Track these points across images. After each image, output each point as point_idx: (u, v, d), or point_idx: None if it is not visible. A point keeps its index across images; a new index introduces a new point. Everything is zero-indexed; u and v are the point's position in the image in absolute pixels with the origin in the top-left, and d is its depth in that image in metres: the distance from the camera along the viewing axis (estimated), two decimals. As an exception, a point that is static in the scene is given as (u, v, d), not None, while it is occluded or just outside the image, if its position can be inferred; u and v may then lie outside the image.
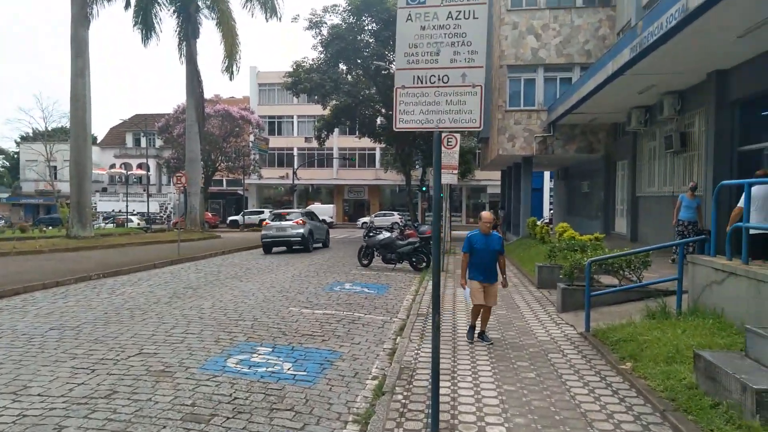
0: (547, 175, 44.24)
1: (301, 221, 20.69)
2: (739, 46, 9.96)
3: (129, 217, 41.75)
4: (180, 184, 19.24)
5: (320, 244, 22.67)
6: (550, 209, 42.09)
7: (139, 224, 40.06)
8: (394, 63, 3.48)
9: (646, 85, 13.52)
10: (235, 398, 4.82)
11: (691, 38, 9.60)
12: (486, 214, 6.85)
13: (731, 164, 11.68)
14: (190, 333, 7.23)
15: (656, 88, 13.75)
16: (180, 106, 40.70)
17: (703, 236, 7.40)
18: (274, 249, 20.78)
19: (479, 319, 6.98)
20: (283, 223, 20.69)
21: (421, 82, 3.50)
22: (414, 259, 15.04)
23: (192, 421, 4.29)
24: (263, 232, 20.75)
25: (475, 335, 6.98)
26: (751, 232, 8.39)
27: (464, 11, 3.41)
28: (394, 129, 3.61)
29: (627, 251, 8.57)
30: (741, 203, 7.34)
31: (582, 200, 25.82)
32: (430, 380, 4.03)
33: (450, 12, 3.45)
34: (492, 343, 6.76)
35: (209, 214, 45.99)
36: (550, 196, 44.12)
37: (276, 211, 23.57)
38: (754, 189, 7.52)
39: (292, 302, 9.73)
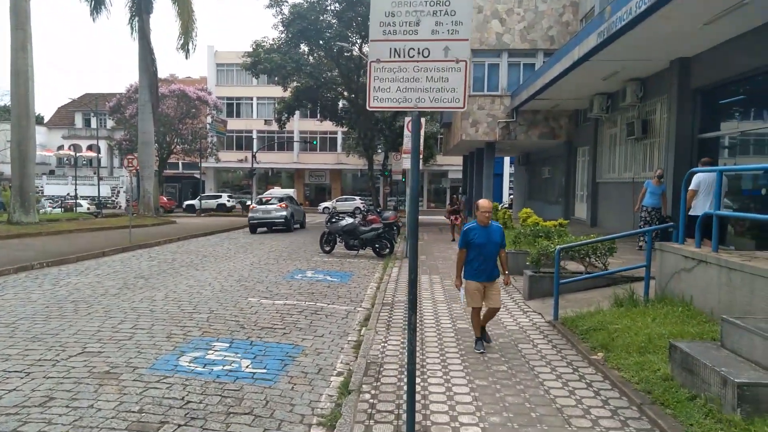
0: (507, 160, 44.65)
1: (284, 204, 23.13)
2: (704, 33, 9.98)
3: (78, 201, 39.89)
4: (131, 167, 18.30)
5: (298, 225, 25.15)
6: (510, 194, 42.55)
7: (89, 209, 38.32)
8: (369, 34, 3.06)
9: (611, 71, 13.53)
10: (188, 402, 4.42)
11: (659, 24, 9.54)
12: (484, 203, 5.79)
13: (691, 151, 11.82)
14: (139, 328, 6.74)
15: (620, 74, 13.78)
16: (132, 85, 38.94)
17: (671, 224, 7.35)
18: (256, 230, 23.01)
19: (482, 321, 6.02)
20: (269, 206, 23.03)
21: (399, 56, 3.15)
22: (377, 246, 14.76)
23: (138, 430, 3.88)
24: (250, 215, 23.13)
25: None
26: (695, 213, 8.55)
27: (447, -22, 3.08)
28: (368, 108, 3.26)
29: (596, 238, 8.51)
30: (692, 186, 8.32)
31: (543, 185, 26.06)
32: (406, 387, 3.73)
33: (432, -22, 3.11)
34: (490, 343, 6.17)
35: (164, 199, 44.47)
36: (510, 181, 44.59)
37: (260, 197, 26.25)
38: (701, 175, 8.43)
39: (251, 292, 9.30)
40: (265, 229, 23.25)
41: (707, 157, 9.46)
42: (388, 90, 3.17)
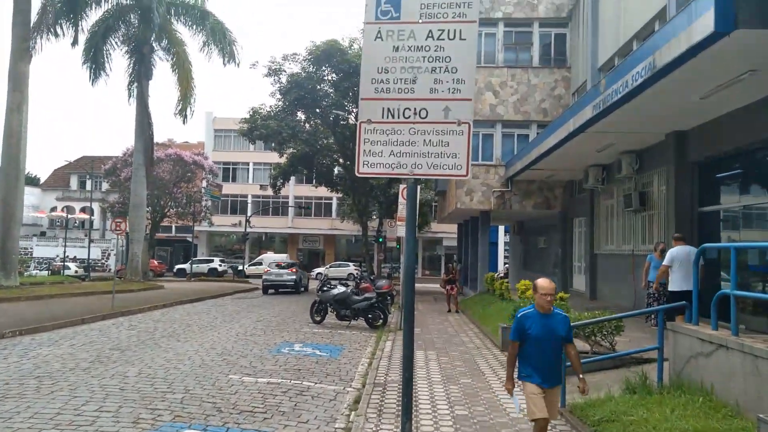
0: (501, 228, 44.52)
1: (294, 270, 27.22)
2: (700, 107, 9.94)
3: (66, 264, 39.09)
4: (119, 230, 17.85)
5: (303, 288, 28.02)
6: (505, 263, 42.08)
7: (77, 271, 37.49)
8: (359, 91, 2.79)
9: (606, 143, 13.48)
10: None
11: (655, 98, 9.48)
12: (545, 284, 4.30)
13: (692, 225, 11.53)
14: (105, 410, 6.07)
15: (615, 146, 13.73)
16: (129, 148, 39.17)
17: (683, 302, 6.91)
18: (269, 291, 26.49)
19: None
20: (281, 270, 27.07)
21: (393, 116, 2.83)
22: (370, 316, 14.13)
23: None
24: (264, 278, 27.15)
25: None
26: (673, 288, 9.02)
27: (448, 30, 2.80)
28: (357, 174, 2.91)
29: (604, 317, 8.00)
30: (666, 262, 9.08)
31: (539, 255, 25.68)
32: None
33: (431, 31, 2.83)
34: None
35: (155, 262, 43.72)
36: (505, 249, 44.25)
37: (273, 262, 29.89)
38: (674, 249, 9.17)
39: (233, 368, 8.63)
40: (273, 291, 26.60)
41: (679, 235, 9.86)
42: (380, 154, 2.83)
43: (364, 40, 2.87)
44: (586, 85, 18.08)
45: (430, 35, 2.83)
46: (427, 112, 2.76)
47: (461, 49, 2.78)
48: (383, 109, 2.82)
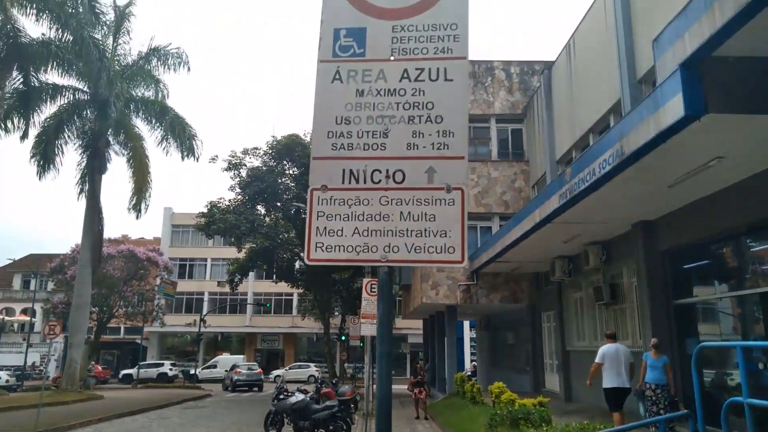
0: (466, 324, 43.45)
1: (260, 370, 32.78)
2: (668, 196, 9.77)
3: (-3, 372, 35.50)
4: (54, 334, 16.10)
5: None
6: (472, 360, 40.60)
7: (7, 381, 33.96)
8: (311, 147, 2.20)
9: (572, 234, 13.20)
10: None
11: (623, 185, 9.26)
12: None
13: (668, 319, 11.03)
14: None
15: (581, 237, 13.46)
16: (78, 245, 37.31)
17: (686, 411, 6.14)
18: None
19: None
20: (250, 371, 31.86)
21: (357, 181, 2.15)
22: (331, 427, 12.65)
23: None
24: (235, 378, 31.06)
25: None
26: (605, 386, 9.29)
27: (430, 69, 2.20)
28: (306, 261, 2.15)
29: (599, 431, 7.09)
30: (597, 359, 9.38)
31: (507, 352, 24.70)
32: None
33: (406, 70, 2.23)
34: None
35: (99, 368, 40.37)
36: (472, 346, 42.92)
37: (242, 364, 34.65)
38: (604, 347, 9.54)
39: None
40: (246, 388, 30.70)
41: (611, 330, 10.44)
42: (339, 233, 2.11)
43: (317, 82, 2.25)
44: (546, 177, 18.25)
45: (405, 75, 2.23)
46: (404, 174, 2.09)
47: (447, 93, 2.18)
48: (344, 171, 2.14)
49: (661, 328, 10.92)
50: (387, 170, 2.15)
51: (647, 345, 10.82)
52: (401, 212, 2.11)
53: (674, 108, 6.66)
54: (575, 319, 16.12)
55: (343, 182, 2.18)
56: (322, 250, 2.11)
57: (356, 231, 2.11)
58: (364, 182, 2.16)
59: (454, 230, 2.07)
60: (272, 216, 27.71)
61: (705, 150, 7.64)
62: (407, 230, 2.09)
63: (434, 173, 2.11)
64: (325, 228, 2.13)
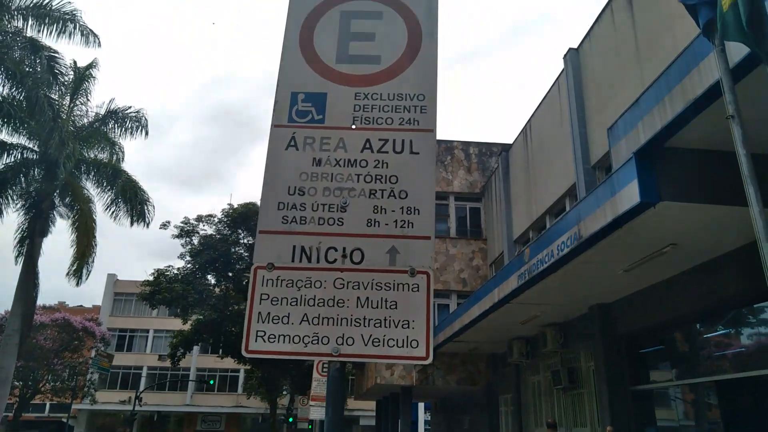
0: (421, 406, 42.01)
1: None
2: (623, 280, 9.86)
3: None
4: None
5: None
6: (426, 445, 38.94)
7: None
8: (258, 220, 1.99)
9: (530, 315, 13.10)
10: None
11: (581, 268, 9.30)
12: None
13: (627, 405, 10.83)
14: None
15: (539, 318, 13.36)
16: (7, 312, 34.78)
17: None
18: None
19: None
20: None
21: (309, 260, 1.89)
22: None
23: None
24: None
25: None
26: None
27: (394, 140, 2.02)
28: (244, 352, 1.84)
29: None
30: None
31: (464, 437, 23.75)
32: None
33: (368, 140, 2.05)
34: None
35: (16, 452, 36.51)
36: (426, 429, 41.30)
37: None
38: None
39: None
40: None
41: (551, 419, 10.87)
42: (285, 320, 1.82)
43: (270, 147, 2.07)
44: (503, 256, 18.39)
45: (367, 146, 2.05)
46: (363, 254, 1.86)
47: (413, 167, 2.03)
48: (295, 248, 1.89)
49: (619, 414, 10.69)
50: (344, 249, 1.91)
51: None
52: (358, 297, 1.85)
53: (630, 194, 6.79)
54: (533, 403, 15.70)
55: (292, 260, 1.92)
56: (264, 340, 1.80)
57: (305, 318, 1.82)
58: (317, 261, 1.91)
59: (418, 320, 1.82)
60: (222, 286, 26.72)
61: (659, 237, 7.78)
62: (364, 319, 1.81)
63: (397, 254, 1.88)
64: (269, 314, 1.83)
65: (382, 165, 2.01)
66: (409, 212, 1.94)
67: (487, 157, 21.98)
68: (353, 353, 1.80)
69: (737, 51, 4.65)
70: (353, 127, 2.10)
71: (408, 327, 1.80)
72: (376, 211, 1.94)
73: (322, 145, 2.06)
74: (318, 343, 1.79)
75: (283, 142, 2.08)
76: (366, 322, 1.81)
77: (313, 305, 1.84)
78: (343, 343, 1.78)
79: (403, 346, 1.79)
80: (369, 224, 1.92)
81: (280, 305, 1.84)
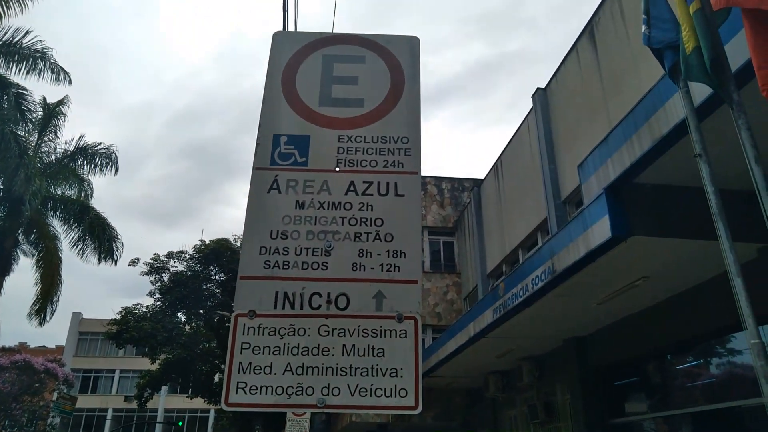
0: (397, 443, 41.10)
1: None
2: (597, 313, 9.95)
3: None
4: None
5: None
6: (403, 484, 37.91)
7: None
8: (239, 265, 1.94)
9: (505, 349, 13.07)
10: None
11: (556, 301, 9.36)
12: None
13: (605, 439, 10.80)
14: None
15: (514, 352, 13.33)
16: (-37, 355, 33.14)
17: None
18: None
19: None
20: None
21: (293, 307, 1.84)
22: None
23: None
24: None
25: None
26: None
27: (379, 183, 2.02)
28: (224, 405, 1.77)
29: None
30: None
31: (441, 476, 23.20)
32: None
33: (353, 182, 2.04)
34: None
35: (-35, 504, 34.24)
36: (402, 468, 40.30)
37: None
38: None
39: None
40: None
41: None
42: (267, 370, 1.75)
43: (251, 190, 2.03)
44: (477, 290, 18.42)
45: (351, 188, 2.06)
46: (348, 299, 1.86)
47: (398, 209, 2.02)
48: (278, 294, 1.88)
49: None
50: (329, 294, 1.87)
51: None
52: (344, 345, 1.79)
53: (601, 229, 6.91)
54: (510, 438, 15.52)
55: (275, 307, 1.86)
56: (245, 392, 1.73)
57: (288, 368, 1.76)
58: (301, 308, 1.86)
59: (406, 368, 1.77)
60: (193, 324, 26.04)
61: (631, 270, 7.90)
62: (351, 367, 1.76)
63: (383, 299, 1.85)
64: (250, 364, 1.76)
65: (367, 207, 2.00)
66: (395, 255, 1.92)
67: (459, 192, 22.24)
68: (339, 404, 1.74)
69: (701, 92, 4.85)
70: (337, 169, 2.09)
71: (396, 375, 1.76)
72: (361, 254, 1.91)
73: (305, 187, 2.04)
74: (302, 394, 1.72)
75: (266, 185, 2.05)
76: (352, 371, 1.75)
77: (297, 354, 1.78)
78: (328, 394, 1.72)
79: (391, 396, 1.74)
80: (354, 268, 1.90)
81: (262, 354, 1.78)
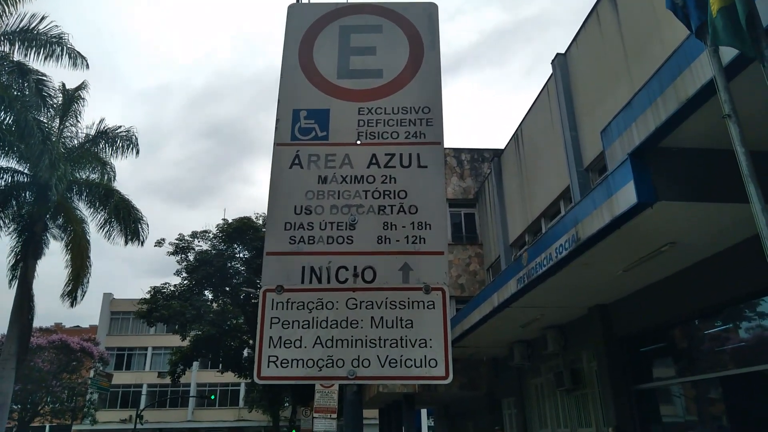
0: (423, 412, 41.80)
1: None
2: (622, 280, 9.86)
3: None
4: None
5: None
6: (431, 452, 38.70)
7: None
8: (264, 242, 1.97)
9: (530, 318, 13.07)
10: None
11: (580, 269, 9.29)
12: None
13: (630, 404, 10.81)
14: None
15: (539, 321, 13.33)
16: (3, 336, 34.41)
17: None
18: None
19: None
20: None
21: (320, 281, 1.87)
22: None
23: None
24: None
25: None
26: None
27: (401, 155, 2.01)
28: (256, 379, 1.80)
29: None
30: None
31: (468, 443, 23.61)
32: None
33: (375, 155, 2.03)
34: None
35: (15, 475, 36.04)
36: (429, 436, 41.09)
37: None
38: None
39: None
40: None
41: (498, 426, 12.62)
42: (297, 344, 1.78)
43: (274, 167, 2.03)
44: (500, 260, 18.36)
45: (374, 161, 2.04)
46: (374, 272, 1.85)
47: (421, 181, 2.00)
48: (304, 269, 1.88)
49: (623, 414, 10.68)
50: (355, 267, 1.88)
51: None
52: (372, 317, 1.81)
53: (626, 195, 6.79)
54: (536, 405, 15.64)
55: (302, 282, 1.88)
56: (276, 366, 1.76)
57: (318, 341, 1.79)
58: (328, 282, 1.88)
59: (435, 339, 1.78)
60: (220, 302, 26.57)
61: (657, 236, 7.77)
62: (380, 339, 1.78)
63: (410, 271, 1.85)
64: (280, 338, 1.79)
65: (390, 180, 1.99)
66: (420, 227, 1.91)
67: (479, 163, 22.02)
68: (370, 375, 1.76)
69: (729, 50, 4.67)
70: (358, 142, 2.08)
71: (425, 346, 1.77)
72: (386, 227, 1.91)
73: (327, 162, 2.04)
74: (333, 366, 1.75)
75: (287, 161, 2.05)
76: (382, 343, 1.77)
77: (326, 327, 1.80)
78: (359, 366, 1.75)
79: (421, 366, 1.76)
80: (380, 241, 1.89)
81: (292, 328, 1.81)
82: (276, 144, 2.08)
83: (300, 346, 1.80)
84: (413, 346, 1.79)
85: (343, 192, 1.99)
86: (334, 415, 11.77)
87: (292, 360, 1.79)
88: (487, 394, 19.46)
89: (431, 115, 2.10)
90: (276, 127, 2.08)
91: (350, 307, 1.84)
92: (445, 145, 2.08)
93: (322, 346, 1.80)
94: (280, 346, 1.80)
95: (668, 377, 10.37)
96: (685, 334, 9.97)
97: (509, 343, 15.85)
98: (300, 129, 2.10)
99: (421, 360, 1.77)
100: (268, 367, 1.78)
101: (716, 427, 9.12)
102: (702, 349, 9.49)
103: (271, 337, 1.82)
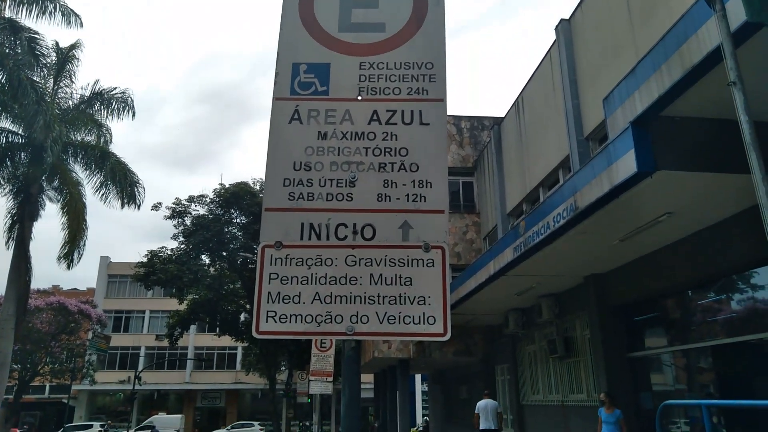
0: (418, 377, 42.59)
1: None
2: (618, 250, 9.91)
3: None
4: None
5: None
6: (424, 415, 39.60)
7: None
8: (263, 197, 1.96)
9: (526, 286, 13.18)
10: None
11: (577, 239, 9.32)
12: None
13: (622, 372, 11.02)
14: None
15: (535, 290, 13.45)
16: (1, 297, 34.64)
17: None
18: None
19: None
20: None
21: (319, 237, 1.85)
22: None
23: None
24: None
25: None
26: (480, 428, 12.79)
27: (403, 111, 1.97)
28: (255, 333, 1.81)
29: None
30: (477, 410, 13.07)
31: (461, 407, 24.12)
32: None
33: (376, 111, 1.99)
34: None
35: (18, 432, 36.85)
36: (423, 400, 41.97)
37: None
38: (480, 402, 13.21)
39: None
40: None
41: (488, 390, 14.33)
42: (296, 300, 1.78)
43: (272, 121, 1.99)
44: (497, 229, 18.41)
45: (375, 117, 2.00)
46: (374, 230, 1.84)
47: (423, 138, 1.96)
48: (303, 225, 1.87)
49: (615, 381, 10.89)
50: (354, 225, 1.86)
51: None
52: (371, 274, 1.80)
53: (626, 164, 6.76)
54: (530, 372, 15.94)
55: (301, 238, 1.87)
56: (275, 320, 1.77)
57: (317, 297, 1.79)
58: (327, 238, 1.87)
59: (434, 296, 1.78)
60: (217, 266, 26.69)
61: (655, 205, 7.78)
62: (378, 296, 1.78)
63: (410, 229, 1.83)
64: (279, 293, 1.79)
65: (391, 137, 1.95)
66: (421, 185, 1.89)
67: (479, 130, 21.83)
68: (368, 331, 1.77)
69: (737, 16, 4.57)
70: (359, 98, 2.03)
71: (424, 303, 1.77)
72: (386, 185, 1.89)
73: (327, 117, 2.00)
74: (331, 322, 1.76)
75: (286, 116, 2.01)
76: (380, 300, 1.77)
77: (325, 283, 1.80)
78: (357, 322, 1.76)
79: (419, 323, 1.76)
80: (380, 199, 1.87)
81: (291, 284, 1.80)
82: (275, 98, 2.03)
83: (299, 302, 1.80)
84: (412, 304, 1.79)
85: (343, 148, 1.96)
86: (330, 378, 11.96)
87: (291, 315, 1.79)
88: (481, 361, 19.80)
89: (434, 71, 2.05)
90: (275, 81, 2.03)
91: (349, 264, 1.84)
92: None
93: (321, 302, 1.80)
94: (279, 302, 1.80)
95: (660, 346, 10.55)
96: (678, 304, 10.10)
97: (504, 311, 16.04)
98: (299, 83, 2.06)
99: (419, 317, 1.78)
100: (267, 321, 1.78)
101: (705, 394, 9.32)
102: (694, 319, 9.62)
103: (269, 292, 1.81)
